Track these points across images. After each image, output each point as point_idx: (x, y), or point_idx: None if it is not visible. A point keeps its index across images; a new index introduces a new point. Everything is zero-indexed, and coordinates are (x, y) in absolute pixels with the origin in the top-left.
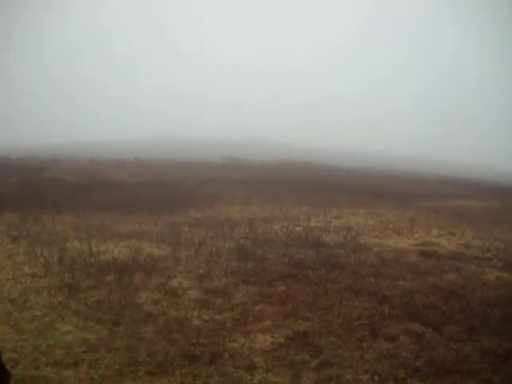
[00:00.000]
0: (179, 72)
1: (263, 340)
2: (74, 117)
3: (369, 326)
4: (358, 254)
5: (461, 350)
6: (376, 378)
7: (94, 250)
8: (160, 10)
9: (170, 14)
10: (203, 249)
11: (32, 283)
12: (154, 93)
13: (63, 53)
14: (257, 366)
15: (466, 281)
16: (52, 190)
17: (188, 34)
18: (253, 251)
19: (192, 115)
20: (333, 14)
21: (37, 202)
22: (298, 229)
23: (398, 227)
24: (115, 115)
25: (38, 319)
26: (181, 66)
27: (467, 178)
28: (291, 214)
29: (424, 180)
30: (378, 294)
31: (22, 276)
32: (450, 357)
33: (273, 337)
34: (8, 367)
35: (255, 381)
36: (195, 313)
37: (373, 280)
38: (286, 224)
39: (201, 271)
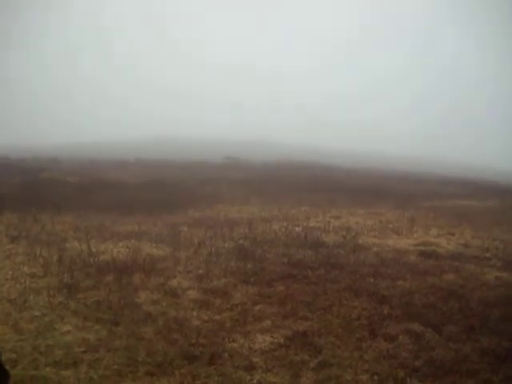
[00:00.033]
0: (179, 72)
1: (262, 340)
2: (74, 117)
3: (368, 326)
4: (358, 254)
5: (460, 350)
6: (375, 378)
7: (94, 250)
8: (160, 10)
9: (169, 14)
10: (202, 249)
11: (31, 283)
12: (154, 93)
13: (63, 53)
14: (256, 366)
15: (465, 281)
16: (51, 190)
17: (188, 34)
18: (252, 251)
19: (192, 115)
20: (333, 13)
21: (36, 202)
22: (297, 229)
23: (397, 227)
24: (115, 115)
25: (38, 319)
26: (181, 66)
27: (467, 177)
28: (290, 214)
29: (424, 180)
30: (378, 294)
31: (22, 276)
32: (449, 357)
33: (272, 337)
34: (7, 367)
35: (254, 381)
36: (194, 313)
37: (372, 280)
38: (285, 224)
39: (200, 271)
